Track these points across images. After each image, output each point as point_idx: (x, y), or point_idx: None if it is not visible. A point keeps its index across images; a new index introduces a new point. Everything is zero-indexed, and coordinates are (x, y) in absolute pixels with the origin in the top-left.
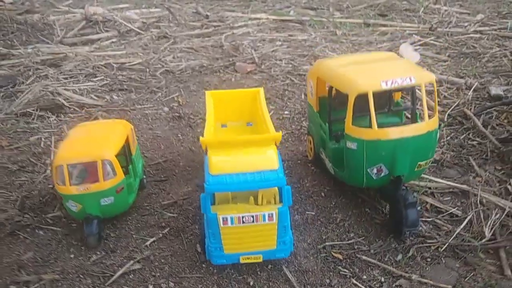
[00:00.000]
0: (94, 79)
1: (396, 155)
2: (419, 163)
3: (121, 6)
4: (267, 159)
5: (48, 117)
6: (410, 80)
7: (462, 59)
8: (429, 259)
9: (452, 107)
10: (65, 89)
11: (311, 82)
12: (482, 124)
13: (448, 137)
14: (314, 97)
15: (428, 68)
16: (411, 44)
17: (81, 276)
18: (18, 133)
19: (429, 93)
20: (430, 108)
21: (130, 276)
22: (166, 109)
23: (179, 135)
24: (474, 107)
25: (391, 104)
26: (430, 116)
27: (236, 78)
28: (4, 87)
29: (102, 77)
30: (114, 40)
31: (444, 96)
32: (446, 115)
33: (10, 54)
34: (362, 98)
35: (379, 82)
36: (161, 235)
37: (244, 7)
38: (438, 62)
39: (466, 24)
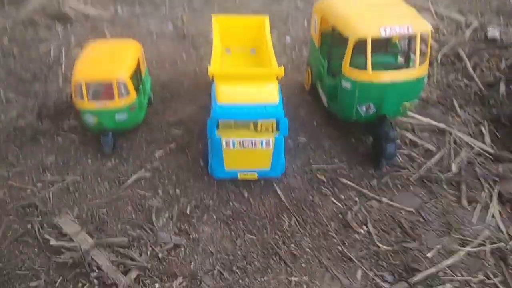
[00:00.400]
0: None
1: (385, 96)
2: (404, 103)
3: None
4: (268, 93)
5: (55, 27)
6: (408, 29)
7: None
8: (399, 186)
9: (448, 45)
10: None
11: (315, 18)
12: (472, 66)
13: (438, 76)
14: (317, 32)
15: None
16: None
17: (98, 179)
18: (28, 42)
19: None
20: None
21: (142, 182)
22: (170, 26)
23: (184, 55)
24: (468, 48)
25: (389, 45)
26: (421, 63)
27: None
28: None
29: None
30: None
31: (443, 34)
32: (441, 54)
33: None
34: (362, 43)
35: (379, 29)
36: (168, 149)
37: None
38: None
39: None
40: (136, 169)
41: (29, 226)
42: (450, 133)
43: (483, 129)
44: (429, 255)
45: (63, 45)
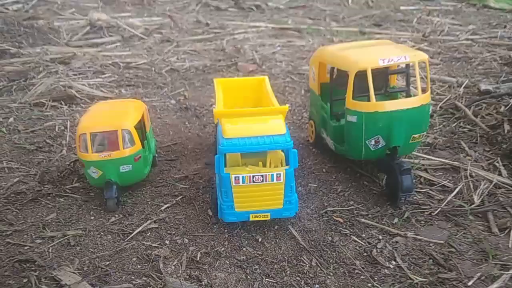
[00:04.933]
0: (102, 76)
1: (392, 126)
2: (413, 135)
3: (123, 14)
4: (275, 125)
5: (61, 107)
6: (405, 58)
7: (454, 62)
8: (422, 222)
9: (444, 100)
10: (76, 83)
11: (313, 68)
12: (472, 114)
13: (441, 125)
14: (316, 82)
15: (421, 70)
16: None
17: (102, 233)
18: (33, 120)
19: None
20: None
21: (148, 234)
22: (173, 101)
23: (187, 123)
24: (465, 100)
25: (387, 87)
26: (423, 91)
27: (238, 76)
28: (17, 80)
29: (110, 74)
30: (118, 44)
31: (437, 93)
32: (438, 107)
33: (19, 53)
34: (361, 79)
35: (377, 59)
36: (174, 201)
37: (243, 17)
38: (431, 65)
39: (458, 33)
40: (141, 222)
41: (25, 280)
42: (465, 169)
43: (497, 164)
44: (470, 283)
45: (68, 121)
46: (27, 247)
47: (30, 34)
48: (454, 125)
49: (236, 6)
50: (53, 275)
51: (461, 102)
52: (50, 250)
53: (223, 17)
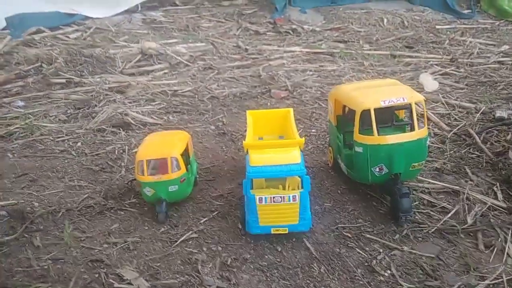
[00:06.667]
0: (153, 103)
1: (393, 156)
2: (413, 164)
3: (170, 41)
4: (292, 155)
5: (119, 133)
6: (403, 99)
7: (478, 87)
8: (420, 238)
9: (459, 127)
10: (131, 111)
11: (330, 103)
12: (481, 141)
13: (451, 151)
14: (332, 114)
15: (445, 94)
16: (431, 74)
17: (153, 240)
18: (97, 144)
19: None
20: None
21: (189, 242)
22: (212, 127)
23: (223, 147)
24: (478, 127)
25: (394, 120)
26: (420, 127)
27: (271, 103)
28: (82, 108)
29: (159, 101)
30: (166, 71)
31: (455, 119)
32: (451, 133)
33: (82, 82)
34: (368, 114)
35: (379, 100)
36: (211, 216)
37: (280, 41)
38: (456, 89)
39: (489, 55)
40: (184, 232)
41: (96, 275)
42: (464, 193)
43: (495, 189)
44: None
45: (125, 146)
46: (97, 250)
47: (90, 62)
48: (464, 151)
49: (274, 30)
50: (117, 272)
51: (474, 129)
52: (114, 253)
53: (262, 41)
